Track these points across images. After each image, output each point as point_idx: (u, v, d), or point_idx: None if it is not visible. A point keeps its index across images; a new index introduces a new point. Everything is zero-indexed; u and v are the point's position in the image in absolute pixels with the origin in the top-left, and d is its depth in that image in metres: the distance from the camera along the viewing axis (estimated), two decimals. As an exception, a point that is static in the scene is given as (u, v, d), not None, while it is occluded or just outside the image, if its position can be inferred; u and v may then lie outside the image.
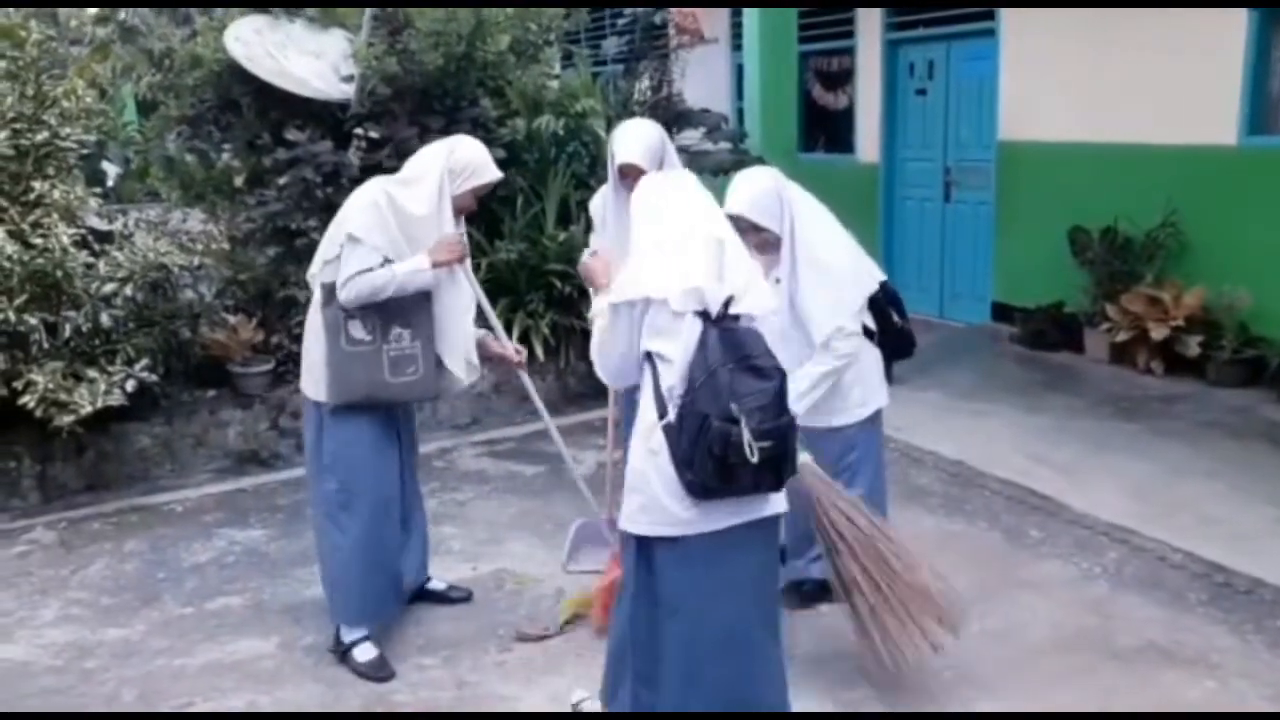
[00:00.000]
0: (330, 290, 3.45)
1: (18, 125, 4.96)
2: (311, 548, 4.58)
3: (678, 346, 2.64)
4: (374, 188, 3.53)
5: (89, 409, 4.80)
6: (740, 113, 8.95)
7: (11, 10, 5.80)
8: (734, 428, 2.51)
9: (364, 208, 3.47)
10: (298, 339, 5.77)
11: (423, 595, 4.08)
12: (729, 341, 2.61)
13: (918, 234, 8.89)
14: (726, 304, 2.65)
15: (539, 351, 6.24)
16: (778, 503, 2.77)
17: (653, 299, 2.66)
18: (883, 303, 3.76)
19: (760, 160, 6.60)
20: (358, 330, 3.45)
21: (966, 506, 4.88)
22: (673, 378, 2.65)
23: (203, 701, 3.49)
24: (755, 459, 2.51)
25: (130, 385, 4.97)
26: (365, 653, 3.64)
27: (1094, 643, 3.68)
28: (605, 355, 2.83)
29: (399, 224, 3.45)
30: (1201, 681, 3.43)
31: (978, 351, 7.54)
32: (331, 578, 3.71)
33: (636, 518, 2.75)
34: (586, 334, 6.26)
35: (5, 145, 4.88)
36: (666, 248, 2.74)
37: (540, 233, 6.44)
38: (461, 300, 3.67)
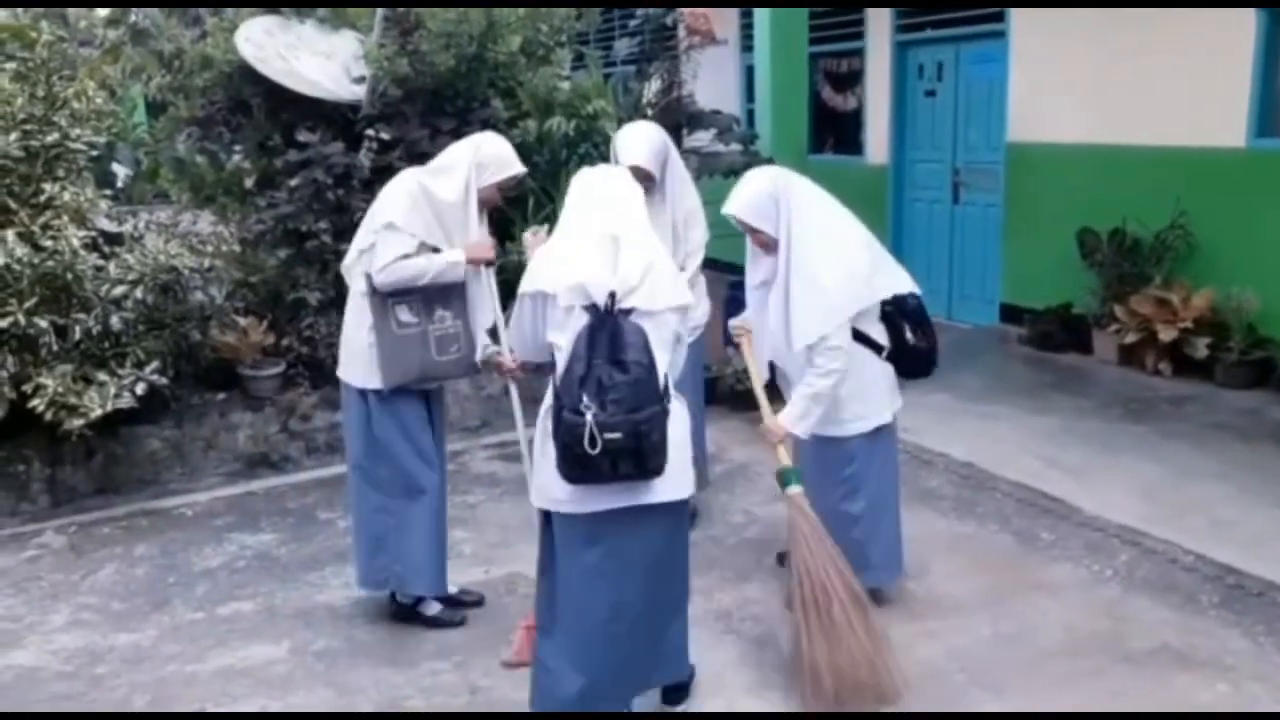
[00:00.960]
0: (369, 279, 3.63)
1: (28, 127, 4.97)
2: (322, 552, 4.63)
3: (566, 338, 2.80)
4: (407, 178, 3.71)
5: (99, 412, 4.81)
6: (750, 114, 8.93)
7: (21, 11, 5.83)
8: (580, 419, 2.67)
9: (399, 196, 3.65)
10: (308, 341, 5.84)
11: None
12: (606, 336, 2.74)
13: (926, 235, 8.88)
14: (612, 298, 2.76)
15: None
16: (665, 490, 2.88)
17: (545, 292, 2.82)
18: (895, 316, 3.72)
19: (770, 161, 6.60)
20: (405, 314, 3.64)
21: (977, 509, 4.87)
22: (561, 365, 2.82)
23: (214, 707, 3.50)
24: (595, 450, 2.67)
25: (140, 388, 4.98)
26: (430, 607, 3.95)
27: (1106, 645, 3.67)
28: (515, 340, 3.05)
29: (432, 211, 3.64)
30: (1214, 684, 3.42)
31: (986, 353, 7.53)
32: (413, 558, 3.82)
33: (535, 493, 3.03)
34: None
35: (15, 147, 4.89)
36: (565, 244, 2.91)
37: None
38: (483, 299, 3.84)
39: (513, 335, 3.05)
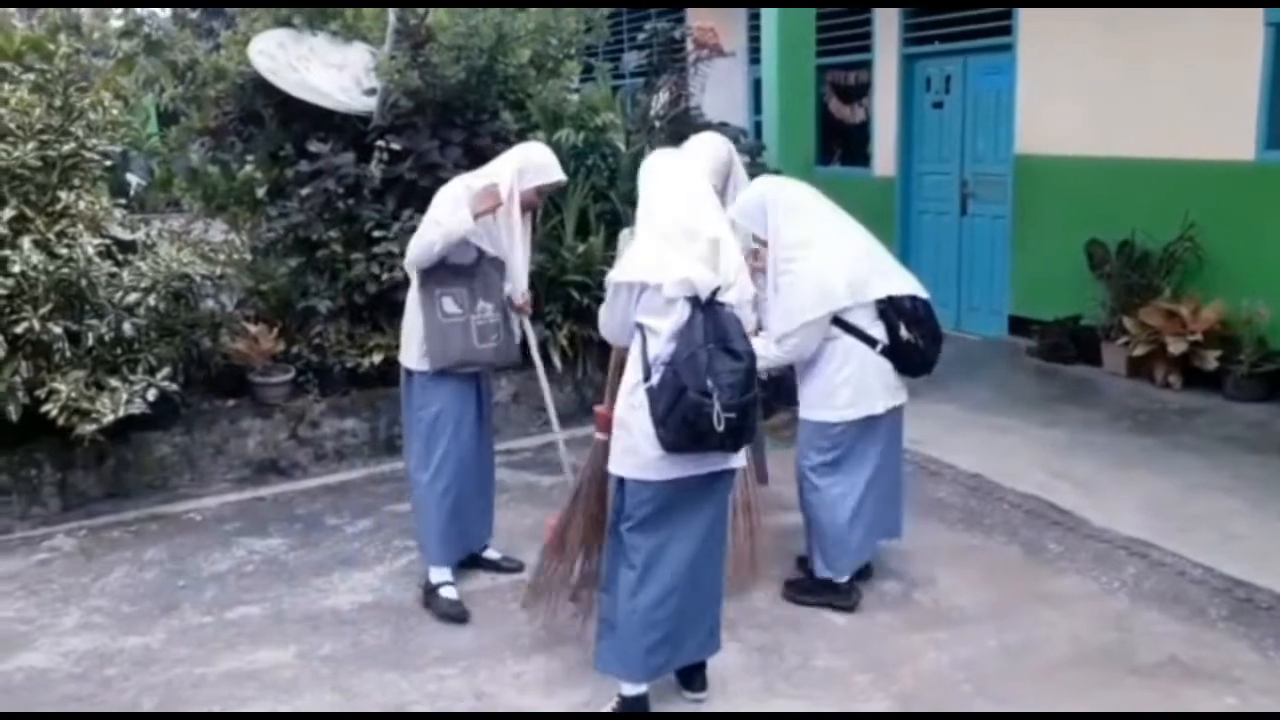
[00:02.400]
0: (423, 273, 4.01)
1: (45, 136, 5.01)
2: (329, 557, 4.66)
3: (667, 324, 3.08)
4: (456, 182, 4.09)
5: (111, 417, 4.84)
6: (758, 126, 8.97)
7: (37, 22, 5.90)
8: (707, 400, 2.96)
9: (445, 198, 4.00)
10: (318, 349, 5.88)
11: (478, 562, 4.44)
12: (712, 325, 3.05)
13: (934, 247, 8.90)
14: (715, 292, 3.08)
15: (556, 362, 6.26)
16: (735, 459, 3.25)
17: (649, 284, 3.10)
18: (890, 314, 3.91)
19: (778, 173, 6.62)
20: (450, 305, 4.03)
21: (985, 520, 4.87)
22: (658, 348, 3.09)
23: (221, 710, 3.51)
24: (721, 428, 2.97)
25: (151, 394, 5.01)
26: (448, 593, 4.13)
27: (1114, 657, 3.67)
28: (605, 322, 3.33)
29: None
30: (1222, 697, 3.41)
31: (994, 364, 7.53)
32: (421, 524, 4.21)
33: (621, 460, 3.22)
34: (604, 345, 6.34)
35: (33, 156, 4.93)
36: (672, 240, 3.15)
37: (559, 244, 6.46)
38: (516, 263, 4.18)
39: (604, 316, 3.33)
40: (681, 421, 3.00)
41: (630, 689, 3.31)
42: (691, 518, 3.24)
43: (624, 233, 3.92)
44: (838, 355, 3.88)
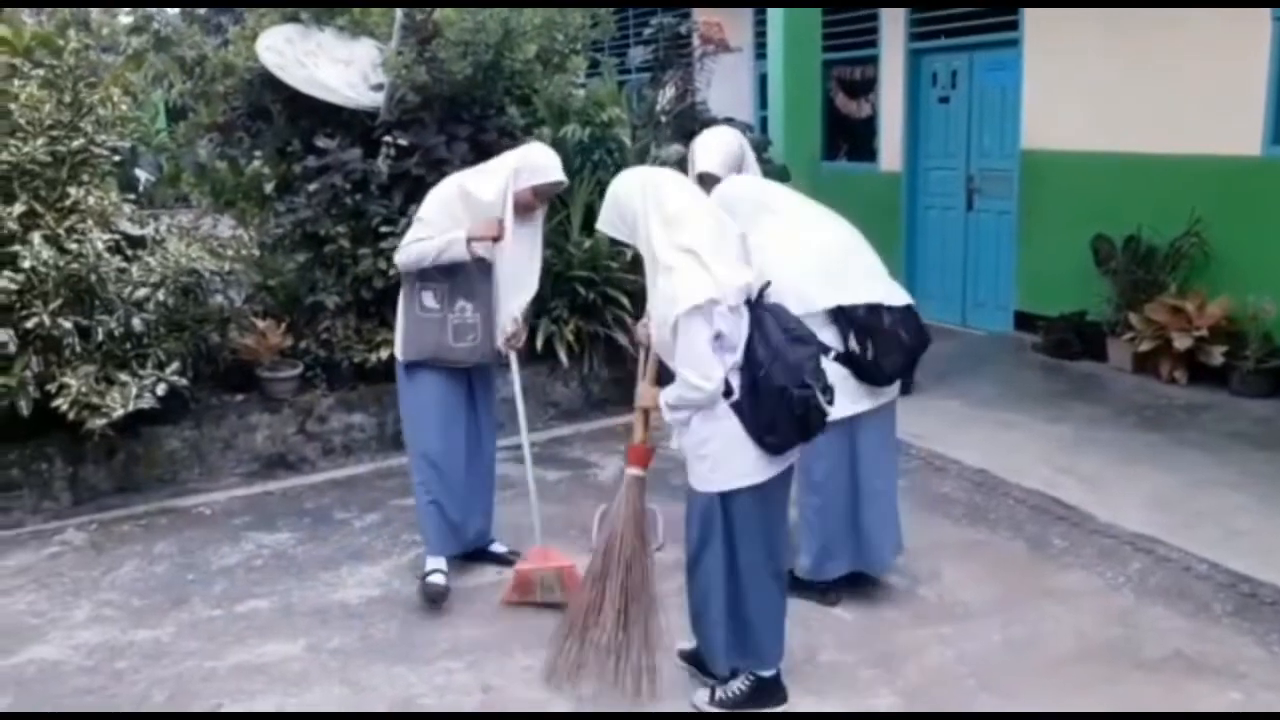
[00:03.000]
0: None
1: (55, 132, 5.04)
2: (338, 551, 4.70)
3: (737, 332, 3.09)
4: (450, 181, 4.13)
5: (120, 412, 4.87)
6: (764, 121, 8.97)
7: (46, 19, 5.92)
8: (809, 392, 3.03)
9: (433, 196, 4.07)
10: (326, 344, 5.91)
11: (484, 556, 4.48)
12: (774, 320, 3.11)
13: (940, 242, 8.90)
14: (764, 287, 3.15)
15: (563, 358, 6.29)
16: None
17: (715, 299, 3.03)
18: (843, 323, 3.76)
19: (784, 169, 6.63)
20: (429, 300, 4.05)
21: (990, 515, 4.88)
22: (733, 360, 3.09)
23: (231, 703, 3.54)
24: (827, 416, 3.09)
25: (161, 389, 5.04)
26: (433, 579, 4.15)
27: (1119, 652, 3.68)
28: (691, 360, 3.06)
29: (465, 207, 3.99)
30: (1227, 692, 3.43)
31: (1000, 360, 7.54)
32: (417, 514, 4.30)
33: (710, 478, 3.19)
34: (610, 340, 6.39)
35: (43, 152, 4.96)
36: (705, 253, 3.08)
37: (565, 240, 6.48)
38: (521, 281, 4.19)
39: (686, 355, 3.06)
40: (791, 419, 3.05)
41: (767, 671, 3.39)
42: (782, 509, 3.31)
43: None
44: None
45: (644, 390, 3.42)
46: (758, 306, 3.14)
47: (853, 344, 3.75)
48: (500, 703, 3.49)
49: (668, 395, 3.19)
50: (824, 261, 3.78)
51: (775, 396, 3.03)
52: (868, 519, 3.96)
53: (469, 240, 3.93)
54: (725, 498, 3.19)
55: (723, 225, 3.23)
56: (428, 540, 4.25)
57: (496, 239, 4.00)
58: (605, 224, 3.42)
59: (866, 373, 3.80)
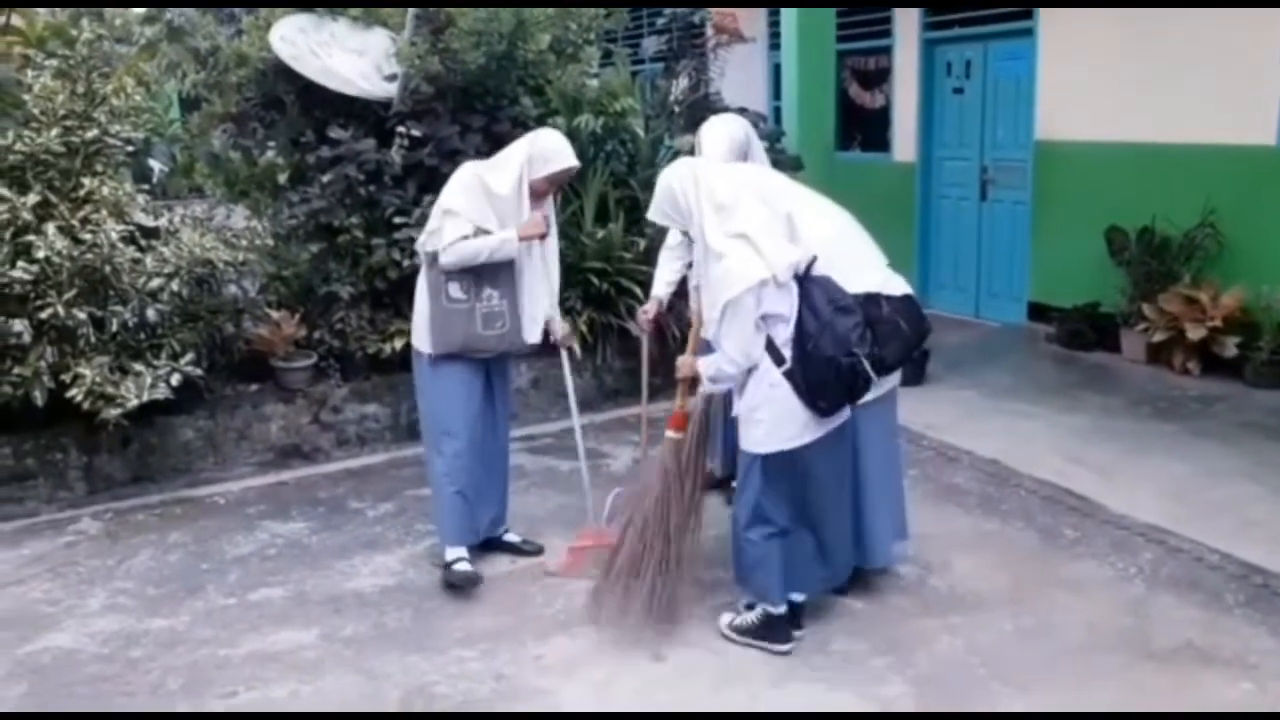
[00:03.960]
0: (433, 257, 4.05)
1: (69, 123, 5.06)
2: (351, 541, 4.72)
3: (789, 306, 3.36)
4: (468, 170, 4.12)
5: (135, 402, 4.90)
6: (778, 112, 8.96)
7: (61, 10, 5.93)
8: (856, 359, 3.31)
9: (459, 187, 4.06)
10: (339, 335, 5.93)
11: (498, 545, 4.51)
12: (822, 292, 3.36)
13: (954, 233, 8.85)
14: (812, 262, 3.38)
15: (576, 349, 6.29)
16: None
17: (766, 279, 3.31)
18: None
19: (798, 160, 6.62)
20: (455, 290, 4.06)
21: (1002, 506, 4.88)
22: (786, 332, 3.36)
23: (246, 690, 3.56)
24: (873, 378, 3.37)
25: (175, 379, 5.07)
26: (461, 567, 4.22)
27: (1130, 643, 3.68)
28: (733, 343, 3.39)
29: (487, 199, 4.04)
30: (1238, 683, 3.42)
31: (1013, 351, 7.52)
32: (434, 506, 4.35)
33: (765, 441, 3.46)
34: (623, 331, 6.39)
35: (57, 142, 4.98)
36: (757, 236, 3.35)
37: (579, 230, 6.48)
38: (538, 273, 4.26)
39: (731, 334, 3.39)
40: (839, 387, 3.35)
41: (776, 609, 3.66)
42: (837, 462, 3.59)
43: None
44: None
45: (684, 361, 3.78)
46: (806, 280, 3.39)
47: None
48: (512, 691, 3.51)
49: (708, 368, 3.52)
50: (821, 250, 3.69)
51: (824, 365, 3.31)
52: (868, 511, 3.92)
53: (521, 238, 4.04)
54: (769, 458, 3.47)
55: (771, 207, 3.48)
56: (446, 531, 4.27)
57: (543, 236, 4.15)
58: (658, 215, 3.73)
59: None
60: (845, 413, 3.54)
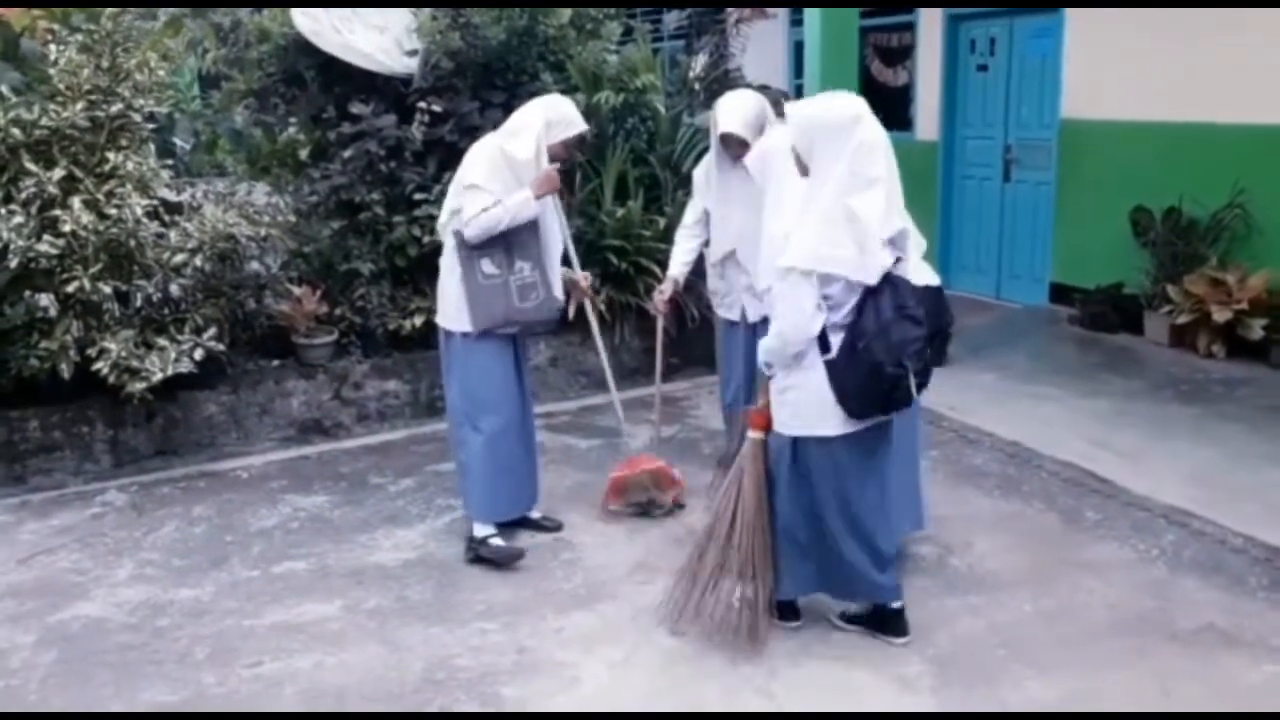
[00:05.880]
0: (459, 236, 4.05)
1: (94, 97, 5.08)
2: (373, 515, 4.75)
3: (847, 295, 3.19)
4: (487, 143, 4.15)
5: (159, 376, 4.95)
6: (799, 89, 8.89)
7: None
8: (902, 372, 3.12)
9: (480, 160, 4.07)
10: (360, 311, 5.95)
11: (518, 521, 4.48)
12: (893, 294, 3.16)
13: (976, 213, 8.80)
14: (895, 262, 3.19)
15: (600, 306, 6.28)
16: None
17: (833, 276, 3.15)
18: None
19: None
20: (489, 266, 4.07)
21: (1023, 487, 4.86)
22: (836, 316, 3.21)
23: (271, 660, 3.60)
24: (914, 395, 3.19)
25: (198, 354, 5.11)
26: (497, 542, 4.25)
27: (1152, 624, 3.66)
28: (791, 319, 3.21)
29: (509, 169, 4.05)
30: (1261, 665, 3.41)
31: (1035, 333, 7.48)
32: (467, 482, 4.31)
33: (790, 423, 3.36)
34: (642, 310, 6.38)
35: (82, 117, 5.00)
36: (836, 222, 3.14)
37: (598, 208, 6.47)
38: (554, 235, 4.29)
39: (788, 312, 3.22)
40: (876, 394, 3.18)
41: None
42: (864, 462, 3.39)
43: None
44: None
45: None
46: (884, 280, 3.19)
47: None
48: (533, 664, 3.53)
49: (765, 353, 3.36)
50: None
51: (868, 369, 3.15)
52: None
53: (537, 197, 4.05)
54: (797, 442, 3.38)
55: (890, 201, 3.20)
56: (482, 508, 4.27)
57: (558, 190, 4.18)
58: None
59: None
60: (877, 420, 3.36)
